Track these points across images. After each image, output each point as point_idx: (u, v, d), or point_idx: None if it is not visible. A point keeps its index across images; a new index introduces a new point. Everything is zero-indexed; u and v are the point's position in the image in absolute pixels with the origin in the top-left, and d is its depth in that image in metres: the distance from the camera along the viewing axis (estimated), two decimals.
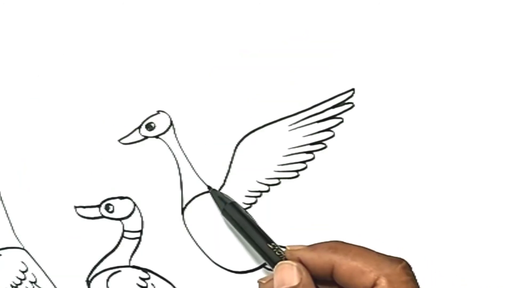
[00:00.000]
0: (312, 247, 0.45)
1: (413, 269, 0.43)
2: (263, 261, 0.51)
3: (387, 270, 0.42)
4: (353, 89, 0.52)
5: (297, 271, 0.44)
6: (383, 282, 0.42)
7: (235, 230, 0.50)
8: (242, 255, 0.51)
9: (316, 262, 0.44)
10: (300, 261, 0.45)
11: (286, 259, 0.45)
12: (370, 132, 0.52)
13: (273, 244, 0.47)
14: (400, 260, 0.43)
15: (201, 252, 0.51)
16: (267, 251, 0.47)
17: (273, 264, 0.46)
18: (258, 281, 0.47)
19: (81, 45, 0.52)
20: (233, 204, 0.50)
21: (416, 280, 0.42)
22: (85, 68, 0.52)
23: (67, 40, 0.52)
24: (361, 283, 0.42)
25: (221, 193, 0.51)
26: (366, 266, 0.42)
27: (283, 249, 0.46)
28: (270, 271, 0.51)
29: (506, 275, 0.51)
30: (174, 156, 0.51)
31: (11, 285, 0.50)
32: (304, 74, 0.51)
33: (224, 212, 0.50)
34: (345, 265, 0.43)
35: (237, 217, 0.49)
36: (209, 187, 0.51)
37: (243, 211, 0.50)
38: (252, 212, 0.51)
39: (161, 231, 0.51)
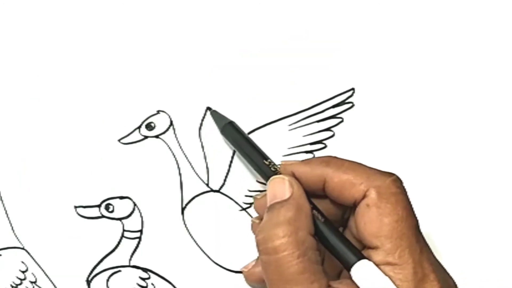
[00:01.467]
0: (306, 161, 0.46)
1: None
2: None
3: (377, 182, 0.42)
4: (353, 89, 0.52)
5: (288, 185, 0.44)
6: (372, 193, 0.42)
7: (235, 149, 0.51)
8: (242, 255, 0.51)
9: (308, 176, 0.44)
10: (293, 175, 0.45)
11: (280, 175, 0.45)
12: (370, 131, 0.52)
13: (269, 160, 0.47)
14: (391, 174, 0.43)
15: (201, 252, 0.51)
16: (263, 167, 0.47)
17: (268, 179, 0.46)
18: (253, 197, 0.48)
19: (81, 45, 0.52)
20: (232, 123, 0.50)
21: (406, 193, 0.43)
22: (85, 68, 0.52)
23: (67, 40, 0.52)
24: (351, 195, 0.43)
25: (220, 114, 0.51)
26: (357, 178, 0.43)
27: (279, 166, 0.46)
28: None
29: (506, 270, 0.51)
30: (174, 156, 0.51)
31: (11, 285, 0.50)
32: (304, 74, 0.51)
33: (223, 131, 0.50)
34: (337, 178, 0.43)
35: (235, 135, 0.50)
36: (208, 108, 0.51)
37: (241, 130, 0.50)
38: (252, 212, 0.51)
39: (161, 231, 0.51)
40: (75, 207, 0.51)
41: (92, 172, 0.51)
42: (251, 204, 0.51)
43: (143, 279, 0.50)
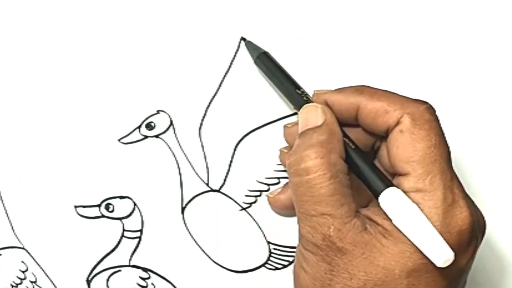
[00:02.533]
0: (339, 90, 0.46)
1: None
2: (263, 261, 0.51)
3: (411, 109, 0.43)
4: None
5: (321, 112, 0.44)
6: (406, 120, 0.42)
7: (268, 79, 0.51)
8: (242, 255, 0.51)
9: (342, 104, 0.45)
10: (326, 104, 0.45)
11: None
12: None
13: (301, 90, 0.48)
14: (424, 102, 0.43)
15: (201, 251, 0.51)
16: (295, 96, 0.48)
17: (300, 108, 0.46)
18: (284, 126, 0.49)
19: (81, 45, 0.52)
20: (266, 53, 0.51)
21: (438, 121, 0.43)
22: (85, 68, 0.52)
23: (67, 40, 0.52)
24: (385, 121, 0.43)
25: (254, 44, 0.51)
26: (390, 105, 0.43)
27: (311, 96, 0.47)
28: (271, 270, 0.51)
29: (507, 265, 0.51)
30: (174, 155, 0.51)
31: (11, 285, 0.50)
32: (304, 74, 0.51)
33: (257, 61, 0.51)
34: (370, 105, 0.44)
35: (269, 65, 0.50)
36: (242, 38, 0.52)
37: (275, 60, 0.50)
38: (252, 211, 0.51)
39: (161, 231, 0.51)
40: (75, 207, 0.51)
41: (92, 172, 0.51)
42: (251, 204, 0.51)
43: (143, 279, 0.50)
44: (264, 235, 0.51)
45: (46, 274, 0.50)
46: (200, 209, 0.51)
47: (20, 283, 0.50)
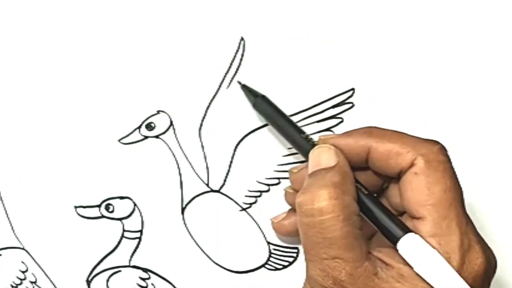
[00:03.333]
0: (347, 133, 0.45)
1: None
2: (263, 261, 0.51)
3: (424, 150, 0.42)
4: (353, 89, 0.52)
5: (334, 153, 0.44)
6: (420, 162, 0.42)
7: (268, 123, 0.50)
8: (242, 255, 0.51)
9: (351, 147, 0.44)
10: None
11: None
12: None
13: (306, 134, 0.47)
14: (437, 142, 0.43)
15: (201, 252, 0.51)
16: (300, 141, 0.47)
17: (305, 153, 0.45)
18: (289, 170, 0.48)
19: (81, 45, 0.52)
20: (264, 97, 0.50)
21: (451, 162, 0.42)
22: (85, 68, 0.52)
23: (67, 40, 0.52)
24: (398, 163, 0.42)
25: (251, 88, 0.50)
26: (403, 147, 0.42)
27: (316, 141, 0.46)
28: (271, 271, 0.51)
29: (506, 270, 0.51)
30: (174, 156, 0.51)
31: (11, 285, 0.50)
32: (304, 74, 0.51)
33: (255, 106, 0.50)
34: (382, 147, 0.43)
35: (268, 109, 0.49)
36: (238, 82, 0.51)
37: (274, 104, 0.49)
38: (252, 212, 0.51)
39: (161, 231, 0.51)
40: (75, 207, 0.51)
41: (92, 172, 0.51)
42: (251, 204, 0.51)
43: (143, 279, 0.50)
44: (264, 236, 0.51)
45: (46, 275, 0.50)
46: (200, 210, 0.51)
47: (20, 284, 0.50)
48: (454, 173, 0.42)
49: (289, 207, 0.50)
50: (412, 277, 0.40)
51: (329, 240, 0.40)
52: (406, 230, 0.42)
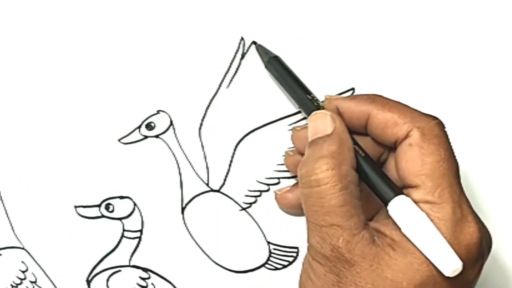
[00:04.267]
0: (351, 97, 0.46)
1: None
2: (263, 261, 0.51)
3: (421, 123, 0.43)
4: (353, 89, 0.52)
5: (330, 120, 0.44)
6: (415, 133, 0.42)
7: (277, 82, 0.51)
8: (242, 255, 0.51)
9: (353, 111, 0.45)
10: (337, 110, 0.45)
11: (324, 109, 0.46)
12: None
13: (312, 95, 0.48)
14: (435, 117, 0.43)
15: (201, 252, 0.51)
16: (305, 102, 0.48)
17: (310, 114, 0.46)
18: (292, 128, 0.49)
19: (81, 45, 0.52)
20: (277, 57, 0.50)
21: (447, 137, 0.43)
22: (85, 68, 0.52)
23: (67, 40, 0.52)
24: (394, 133, 0.43)
25: (265, 48, 0.51)
26: (401, 117, 0.43)
27: (322, 101, 0.47)
28: (271, 271, 0.51)
29: (506, 270, 0.51)
30: (174, 156, 0.51)
31: (11, 285, 0.50)
32: (304, 74, 0.51)
33: (267, 66, 0.51)
34: (381, 115, 0.44)
35: (280, 70, 0.50)
36: (254, 42, 0.52)
37: (286, 65, 0.50)
38: (252, 212, 0.51)
39: (161, 231, 0.51)
40: (75, 207, 0.51)
41: (92, 172, 0.51)
42: (251, 204, 0.51)
43: (143, 279, 0.50)
44: (264, 235, 0.51)
45: (46, 274, 0.50)
46: (200, 209, 0.51)
47: (20, 283, 0.50)
48: (450, 146, 0.43)
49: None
50: (403, 241, 0.41)
51: (326, 208, 0.41)
52: (398, 192, 0.42)
